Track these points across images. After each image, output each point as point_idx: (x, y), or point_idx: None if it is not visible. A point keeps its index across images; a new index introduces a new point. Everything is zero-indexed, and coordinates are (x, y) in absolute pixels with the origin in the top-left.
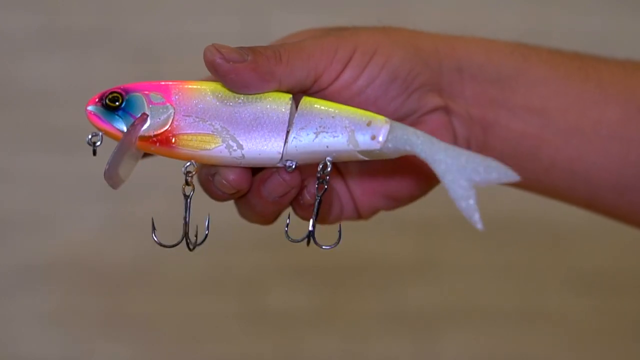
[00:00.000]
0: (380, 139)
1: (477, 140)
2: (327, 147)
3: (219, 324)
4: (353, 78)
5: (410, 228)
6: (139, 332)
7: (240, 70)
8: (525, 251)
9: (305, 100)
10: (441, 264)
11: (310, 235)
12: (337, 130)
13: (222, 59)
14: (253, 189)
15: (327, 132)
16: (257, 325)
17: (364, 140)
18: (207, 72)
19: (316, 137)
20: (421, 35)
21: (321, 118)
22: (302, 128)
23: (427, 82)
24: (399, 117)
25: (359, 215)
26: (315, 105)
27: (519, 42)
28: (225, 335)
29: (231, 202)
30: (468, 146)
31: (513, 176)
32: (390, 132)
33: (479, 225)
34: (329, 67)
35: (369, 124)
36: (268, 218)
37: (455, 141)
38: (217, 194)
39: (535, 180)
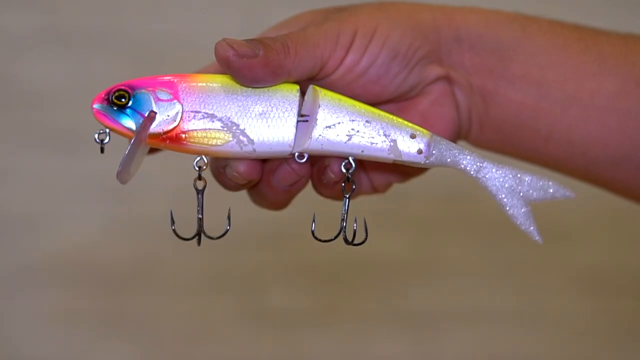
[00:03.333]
0: (426, 153)
1: (478, 109)
2: (362, 151)
3: (219, 324)
4: (355, 61)
5: (411, 228)
6: (139, 332)
7: (252, 66)
8: (526, 251)
9: (324, 94)
10: (441, 264)
11: (342, 231)
12: (375, 137)
13: (235, 56)
14: (263, 179)
15: (362, 137)
16: (257, 325)
17: (409, 153)
18: (208, 70)
19: (349, 139)
20: (420, 8)
21: (352, 120)
22: (330, 127)
23: (427, 55)
24: (403, 92)
25: (374, 189)
26: (341, 103)
27: (519, 12)
28: (225, 335)
29: (230, 201)
30: (469, 115)
31: (569, 193)
32: (435, 147)
33: (538, 238)
34: (333, 53)
35: (413, 137)
36: (281, 205)
37: (457, 110)
38: (229, 185)
39: (533, 151)
